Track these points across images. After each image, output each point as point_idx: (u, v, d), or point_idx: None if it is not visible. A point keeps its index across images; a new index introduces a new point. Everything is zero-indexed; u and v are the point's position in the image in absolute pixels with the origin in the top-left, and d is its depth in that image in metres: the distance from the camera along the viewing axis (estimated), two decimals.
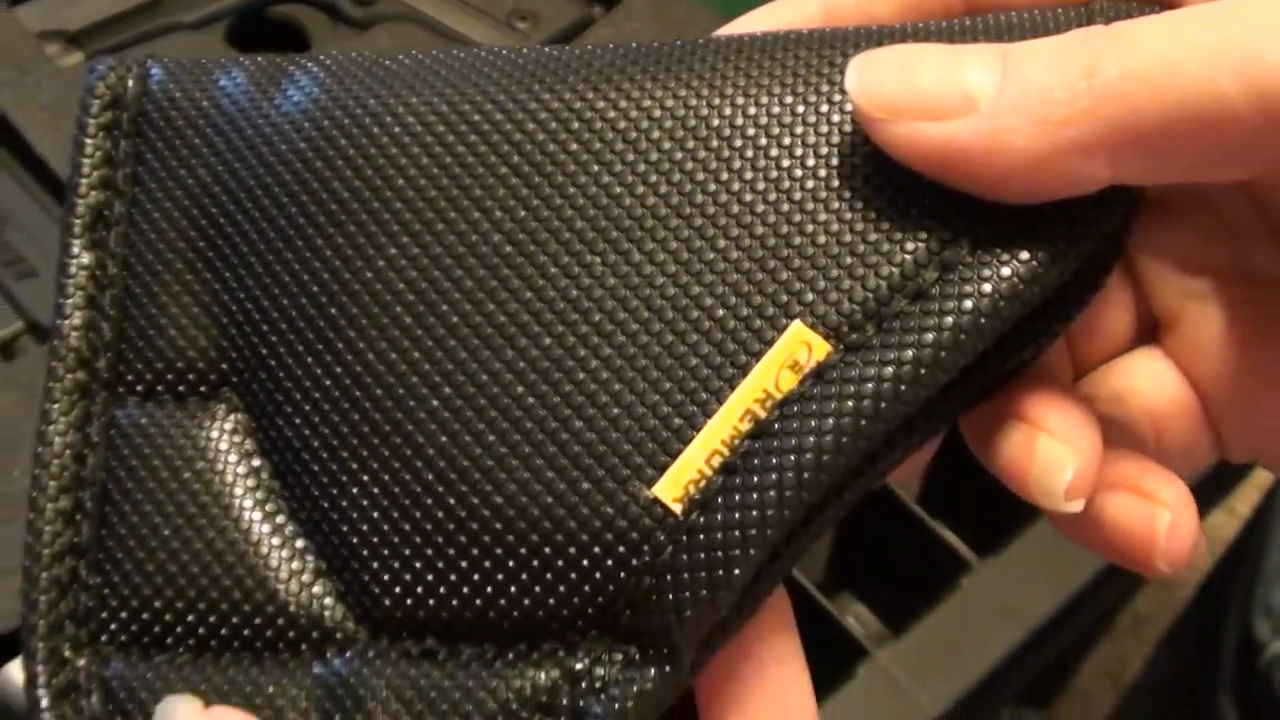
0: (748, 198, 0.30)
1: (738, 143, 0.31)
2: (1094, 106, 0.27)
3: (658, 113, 0.31)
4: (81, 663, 0.31)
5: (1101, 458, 0.32)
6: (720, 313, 0.30)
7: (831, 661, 0.61)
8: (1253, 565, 0.81)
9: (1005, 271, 0.29)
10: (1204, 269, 0.34)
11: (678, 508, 0.28)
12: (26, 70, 0.68)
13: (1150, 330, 0.35)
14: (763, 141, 0.31)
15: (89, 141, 0.35)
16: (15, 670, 0.48)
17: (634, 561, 0.28)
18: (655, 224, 0.30)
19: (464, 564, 0.29)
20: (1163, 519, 0.31)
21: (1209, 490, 0.85)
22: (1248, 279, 0.34)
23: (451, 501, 0.30)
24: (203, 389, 0.33)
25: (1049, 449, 0.31)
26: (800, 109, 0.31)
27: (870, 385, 0.28)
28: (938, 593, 0.64)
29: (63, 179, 0.63)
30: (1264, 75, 0.27)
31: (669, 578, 0.28)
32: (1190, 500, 0.32)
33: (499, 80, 0.33)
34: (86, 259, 0.34)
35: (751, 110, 0.31)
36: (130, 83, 0.36)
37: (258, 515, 0.32)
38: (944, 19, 0.33)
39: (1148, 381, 0.34)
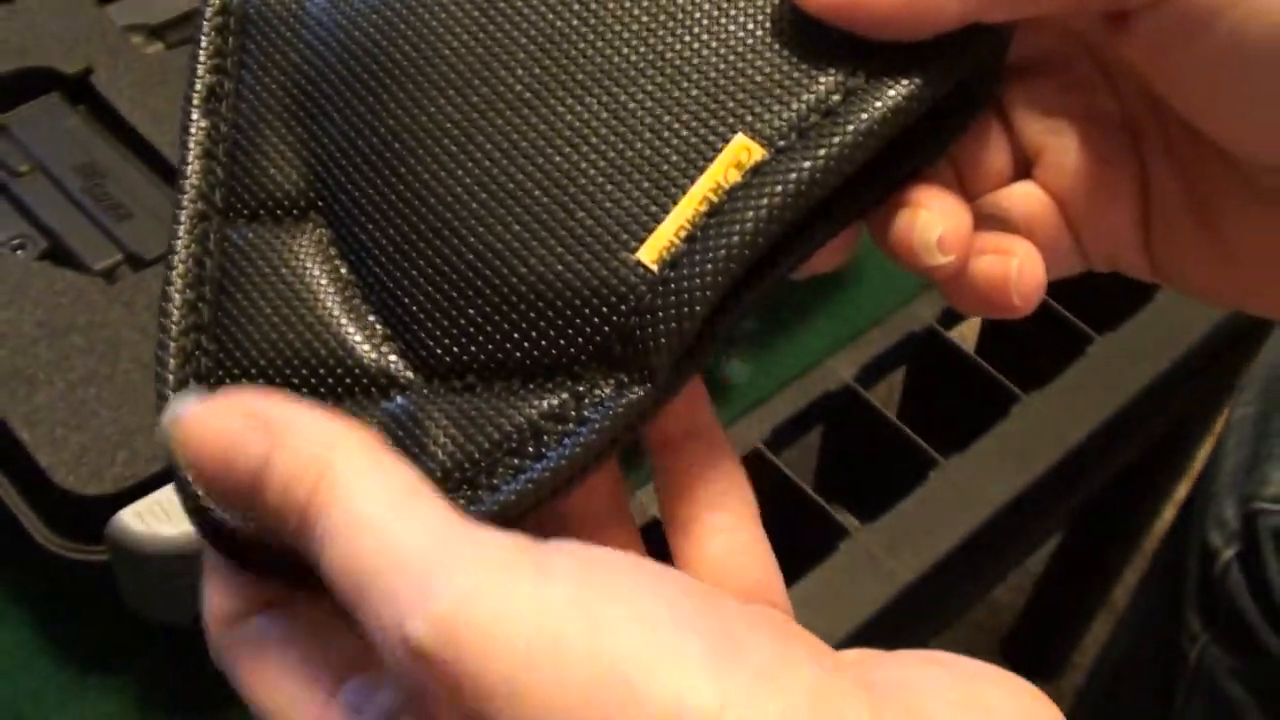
0: (703, 50, 0.39)
1: (694, 10, 0.39)
2: None
3: None
4: None
5: (971, 231, 0.39)
6: (683, 130, 0.38)
7: (818, 540, 0.69)
8: (1208, 483, 0.88)
9: (891, 93, 0.37)
10: (1061, 113, 0.41)
11: (655, 267, 0.36)
12: (116, 56, 0.76)
13: (1025, 169, 0.42)
14: (711, 8, 0.39)
15: (204, 38, 0.43)
16: (129, 517, 0.55)
17: (623, 306, 0.36)
18: (635, 69, 0.39)
19: (496, 318, 0.37)
20: (1013, 264, 0.39)
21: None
22: (1093, 119, 0.41)
23: (487, 273, 0.38)
24: (294, 212, 0.41)
25: (926, 218, 0.39)
26: None
27: (794, 175, 0.37)
28: (909, 485, 0.71)
29: (149, 142, 0.71)
30: None
31: (648, 316, 0.36)
32: (1036, 253, 0.39)
33: None
34: (204, 123, 0.42)
35: None
36: None
37: (337, 298, 0.39)
38: None
39: (1021, 198, 0.41)
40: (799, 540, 0.68)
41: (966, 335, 0.83)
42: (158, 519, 0.55)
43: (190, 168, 0.41)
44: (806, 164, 0.37)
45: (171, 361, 0.39)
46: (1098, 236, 0.42)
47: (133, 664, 0.62)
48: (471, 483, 0.36)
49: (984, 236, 0.40)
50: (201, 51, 0.43)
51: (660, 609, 0.30)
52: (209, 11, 0.43)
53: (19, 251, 0.67)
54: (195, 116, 0.42)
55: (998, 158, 0.42)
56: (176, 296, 0.40)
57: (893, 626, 0.68)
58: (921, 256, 0.39)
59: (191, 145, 0.42)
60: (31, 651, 0.62)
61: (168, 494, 0.56)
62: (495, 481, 0.36)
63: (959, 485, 0.72)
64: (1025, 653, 1.41)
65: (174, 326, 0.40)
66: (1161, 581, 0.96)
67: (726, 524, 0.38)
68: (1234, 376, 0.88)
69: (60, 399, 0.60)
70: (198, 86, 0.42)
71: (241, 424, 0.33)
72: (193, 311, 0.40)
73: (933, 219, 0.39)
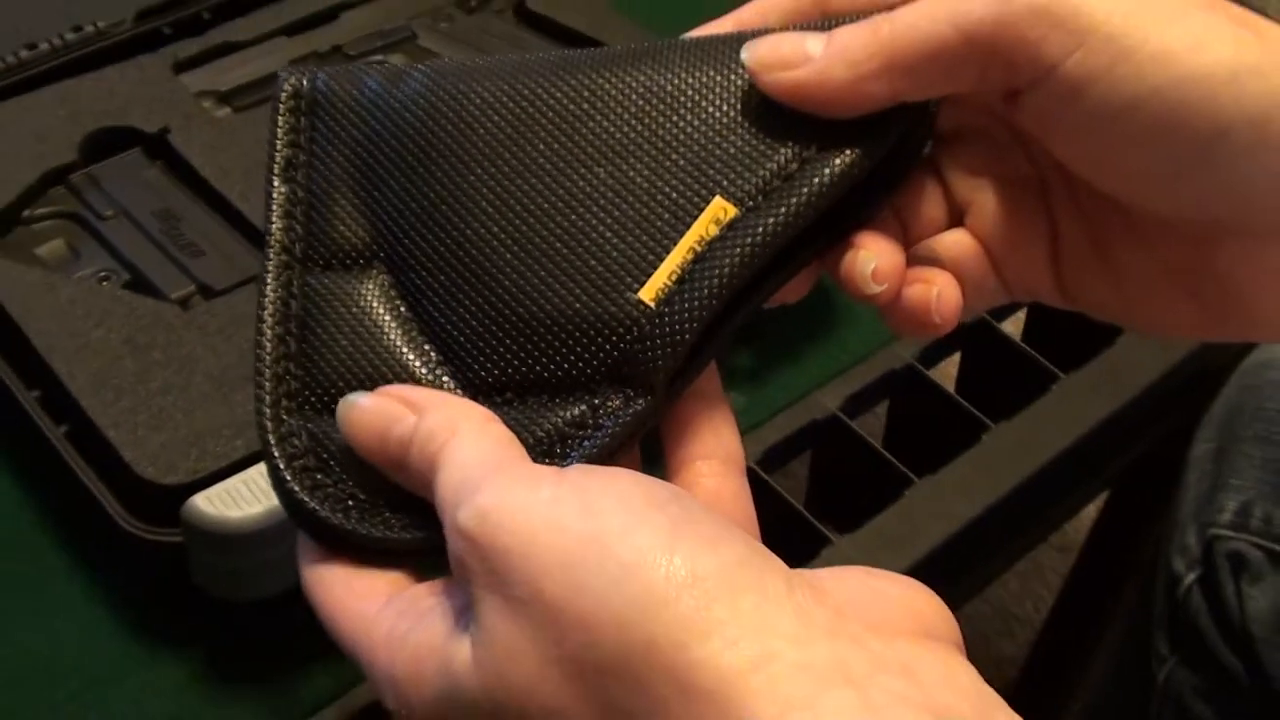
0: (688, 128, 0.48)
1: (681, 97, 0.48)
2: (875, 53, 0.45)
3: (633, 81, 0.49)
4: (292, 420, 0.47)
5: (903, 266, 0.48)
6: (673, 194, 0.47)
7: (801, 548, 0.77)
8: (1173, 514, 0.94)
9: (837, 161, 0.47)
10: (984, 174, 0.51)
11: (653, 304, 0.46)
12: (190, 119, 0.85)
13: (958, 218, 0.51)
14: (694, 95, 0.48)
15: (280, 119, 0.51)
16: (200, 501, 0.64)
17: (628, 335, 0.46)
18: (634, 144, 0.48)
19: (528, 346, 0.47)
20: (934, 291, 0.48)
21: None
22: (1009, 178, 0.51)
23: (520, 310, 0.47)
24: (360, 262, 0.49)
25: (865, 256, 0.48)
26: (716, 76, 0.48)
27: (760, 229, 0.46)
28: (887, 501, 0.79)
29: (218, 192, 0.80)
30: (963, 17, 0.44)
31: (648, 343, 0.45)
32: (954, 282, 0.49)
33: (531, 71, 0.50)
34: (284, 189, 0.50)
35: (689, 78, 0.48)
36: (304, 81, 0.51)
37: (399, 331, 0.48)
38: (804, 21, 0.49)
39: (952, 243, 0.50)
40: (786, 548, 0.76)
41: (950, 373, 0.91)
42: (225, 504, 0.64)
43: (274, 226, 0.50)
44: (770, 219, 0.46)
45: (268, 384, 0.48)
46: (1017, 273, 0.51)
47: (199, 636, 0.70)
48: None
49: (915, 270, 0.49)
50: (278, 130, 0.51)
51: (638, 499, 0.40)
52: (283, 95, 0.51)
53: (106, 282, 0.77)
54: (276, 184, 0.50)
55: (934, 209, 0.51)
56: (269, 331, 0.49)
57: None
58: (861, 286, 0.48)
59: (274, 207, 0.50)
60: (109, 623, 0.70)
61: (233, 483, 0.64)
62: None
63: (931, 502, 0.79)
64: (1030, 705, 1.46)
65: (268, 355, 0.48)
66: (1136, 610, 1.03)
67: (715, 470, 0.47)
68: (1194, 418, 0.96)
69: (141, 405, 0.69)
70: (277, 159, 0.51)
71: (396, 406, 0.45)
72: (282, 343, 0.48)
73: (870, 256, 0.48)
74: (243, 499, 0.64)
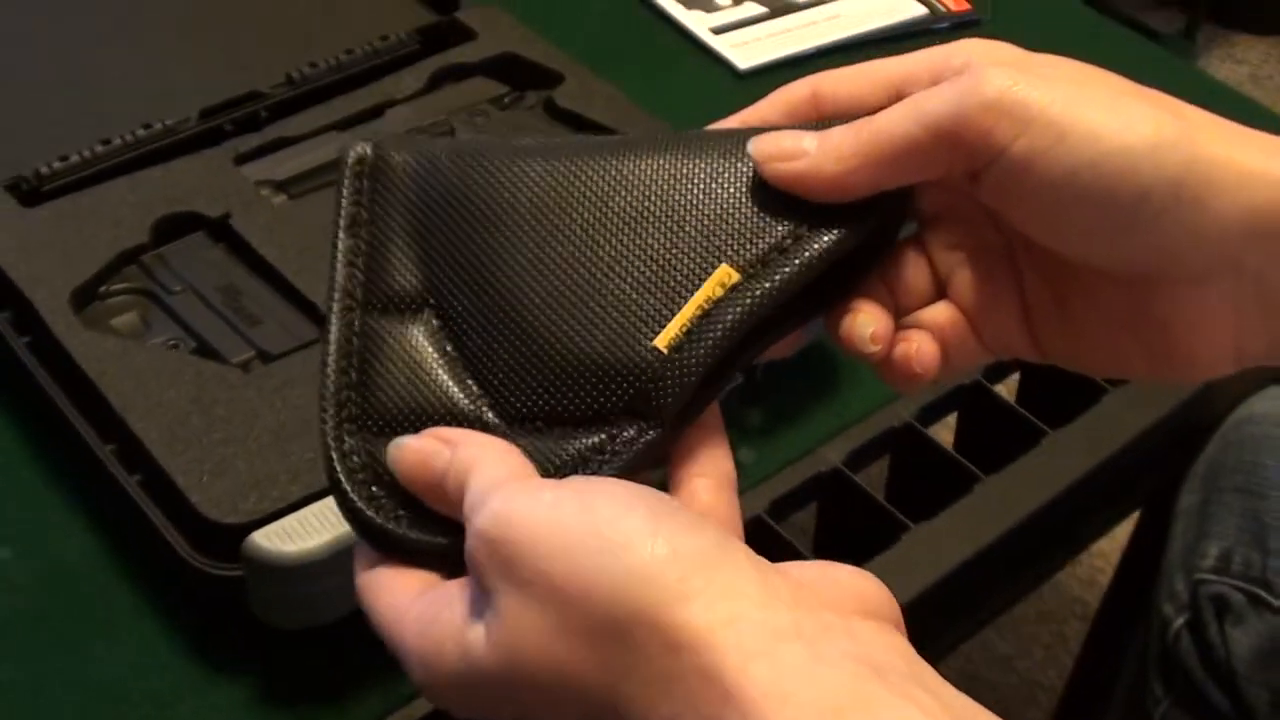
0: (700, 203, 0.55)
1: (695, 178, 0.55)
2: (857, 150, 0.53)
3: (655, 164, 0.56)
4: (352, 440, 0.54)
5: (893, 330, 0.56)
6: (686, 259, 0.54)
7: None
8: (1164, 562, 1.00)
9: (826, 238, 0.54)
10: (961, 248, 0.58)
11: (665, 350, 0.53)
12: (250, 205, 0.92)
13: (942, 288, 0.59)
14: (706, 178, 0.55)
15: (347, 181, 0.57)
16: (259, 537, 0.71)
17: (644, 376, 0.53)
18: (655, 215, 0.55)
19: (558, 382, 0.53)
20: (914, 347, 0.56)
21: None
22: (983, 250, 0.58)
23: (552, 353, 0.53)
24: (414, 307, 0.56)
25: (863, 319, 0.56)
26: (725, 162, 0.56)
27: (758, 292, 0.54)
28: (883, 545, 0.86)
29: (276, 269, 0.88)
30: (929, 114, 0.52)
31: (660, 382, 0.53)
32: (930, 339, 0.57)
33: (567, 150, 0.57)
34: (349, 241, 0.56)
35: (702, 163, 0.56)
36: (368, 150, 0.58)
37: (445, 368, 0.55)
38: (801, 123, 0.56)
39: (937, 312, 0.58)
40: None
41: (946, 432, 0.98)
42: (281, 539, 0.71)
43: (339, 274, 0.56)
44: (767, 285, 0.54)
45: (331, 408, 0.55)
46: (994, 333, 0.58)
47: (257, 662, 0.77)
48: None
49: (900, 333, 0.57)
50: (344, 191, 0.58)
51: (624, 495, 0.48)
52: (351, 160, 0.58)
53: (175, 349, 0.85)
54: (342, 237, 0.57)
55: (920, 281, 0.59)
56: (332, 363, 0.55)
57: None
58: (860, 346, 0.56)
59: (339, 257, 0.57)
60: (175, 651, 0.77)
61: (289, 521, 0.72)
62: None
63: (925, 546, 0.86)
64: None
65: (331, 385, 0.55)
66: (1138, 657, 1.08)
67: (710, 487, 0.54)
68: (1178, 475, 1.02)
69: (207, 455, 0.77)
70: (343, 215, 0.57)
71: (434, 444, 0.53)
72: (344, 374, 0.55)
73: (868, 320, 0.56)
74: (297, 535, 0.71)
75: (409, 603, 0.51)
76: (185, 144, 0.98)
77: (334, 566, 0.71)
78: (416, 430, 0.54)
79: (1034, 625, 1.78)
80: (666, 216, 0.55)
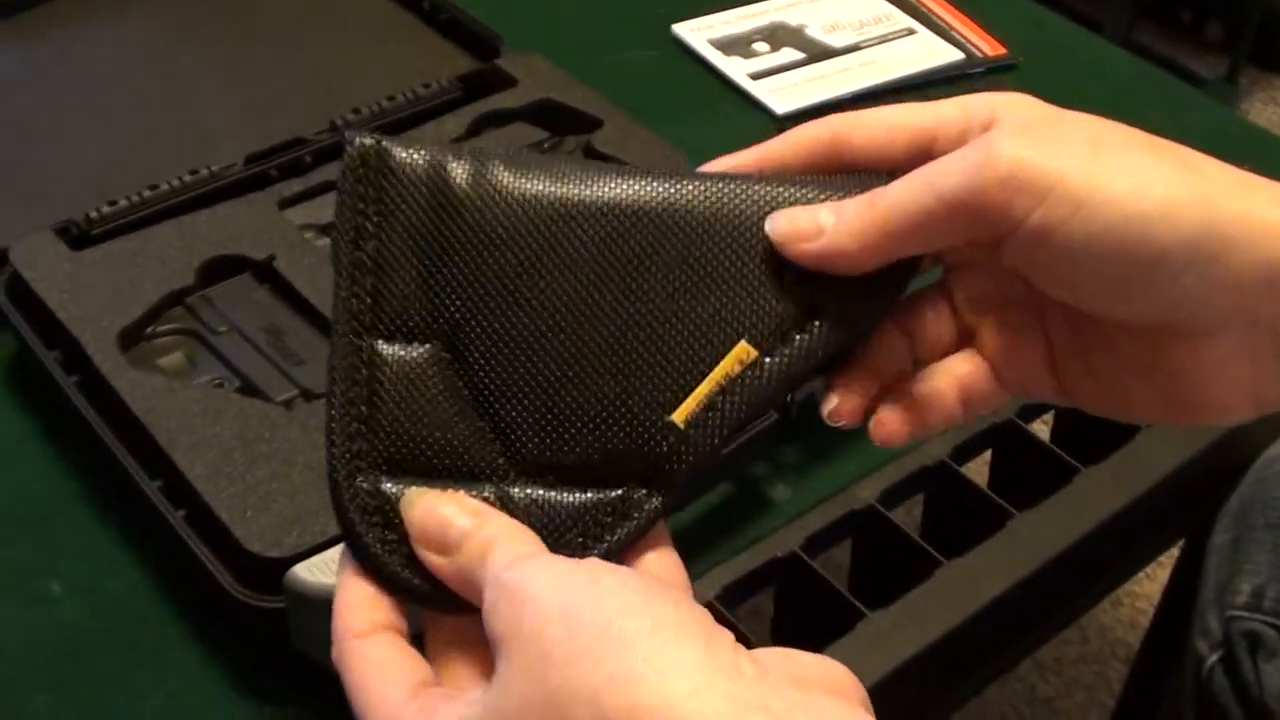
0: (724, 281, 0.55)
1: (721, 256, 0.55)
2: (872, 225, 0.54)
3: (680, 225, 0.55)
4: (361, 478, 0.53)
5: (866, 403, 0.58)
6: (708, 333, 0.55)
7: (838, 622, 0.84)
8: (1198, 601, 1.01)
9: (842, 310, 0.55)
10: (987, 300, 0.59)
11: (682, 426, 0.54)
12: (293, 248, 0.94)
13: (968, 337, 0.60)
14: (730, 254, 0.55)
15: (349, 181, 0.54)
16: (301, 570, 0.72)
17: (660, 449, 0.54)
18: (681, 289, 0.55)
19: (572, 440, 0.54)
20: (878, 416, 0.58)
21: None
22: (1009, 302, 0.59)
23: (572, 409, 0.53)
24: (422, 336, 0.54)
25: (831, 396, 0.57)
26: (747, 237, 0.55)
27: (776, 370, 0.55)
28: (917, 580, 0.87)
29: (318, 310, 0.89)
30: (944, 189, 0.53)
31: (674, 456, 0.54)
32: (893, 411, 0.58)
33: (577, 176, 0.55)
34: (355, 256, 0.54)
35: (727, 238, 0.55)
36: (369, 143, 0.54)
37: (455, 406, 0.54)
38: (820, 174, 0.57)
39: (958, 362, 0.59)
40: (825, 622, 0.84)
41: (981, 469, 0.99)
42: (322, 572, 0.72)
43: (343, 292, 0.54)
44: (783, 362, 0.55)
45: (339, 442, 0.54)
46: (1020, 380, 0.60)
47: (297, 696, 0.78)
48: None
49: (886, 400, 0.58)
50: (348, 191, 0.54)
51: (629, 579, 0.49)
52: (353, 154, 0.54)
53: (220, 388, 0.86)
54: (345, 249, 0.54)
55: (943, 331, 0.60)
56: (339, 394, 0.54)
57: (896, 695, 0.84)
58: (828, 421, 0.58)
59: (344, 271, 0.54)
60: (218, 683, 0.78)
61: (330, 555, 0.73)
62: (564, 550, 0.53)
63: (959, 582, 0.87)
64: None
65: (338, 415, 0.54)
66: (1174, 695, 1.08)
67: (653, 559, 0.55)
68: (1213, 511, 1.03)
69: (250, 491, 0.78)
70: (349, 225, 0.54)
71: (453, 507, 0.53)
72: (353, 406, 0.54)
73: (837, 398, 0.57)
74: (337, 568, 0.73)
75: (402, 704, 0.51)
76: (231, 189, 1.00)
77: None
78: (427, 474, 0.54)
79: (1076, 667, 1.78)
80: (692, 289, 0.55)
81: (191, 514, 0.79)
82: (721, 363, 0.54)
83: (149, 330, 0.91)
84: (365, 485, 0.54)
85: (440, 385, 0.54)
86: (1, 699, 0.78)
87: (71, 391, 0.86)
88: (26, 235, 0.95)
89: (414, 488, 0.54)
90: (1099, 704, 1.73)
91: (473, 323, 0.54)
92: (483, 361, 0.54)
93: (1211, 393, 0.56)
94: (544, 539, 0.53)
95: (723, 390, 0.54)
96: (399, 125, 1.07)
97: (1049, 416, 1.02)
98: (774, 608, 0.91)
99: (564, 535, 0.54)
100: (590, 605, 0.47)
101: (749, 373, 0.55)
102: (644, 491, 0.54)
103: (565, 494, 0.54)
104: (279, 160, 1.03)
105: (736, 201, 0.56)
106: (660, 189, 0.56)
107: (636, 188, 0.56)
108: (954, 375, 0.59)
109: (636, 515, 0.54)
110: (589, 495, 0.54)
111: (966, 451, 0.96)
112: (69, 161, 1.08)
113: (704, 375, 0.54)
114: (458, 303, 0.54)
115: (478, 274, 0.54)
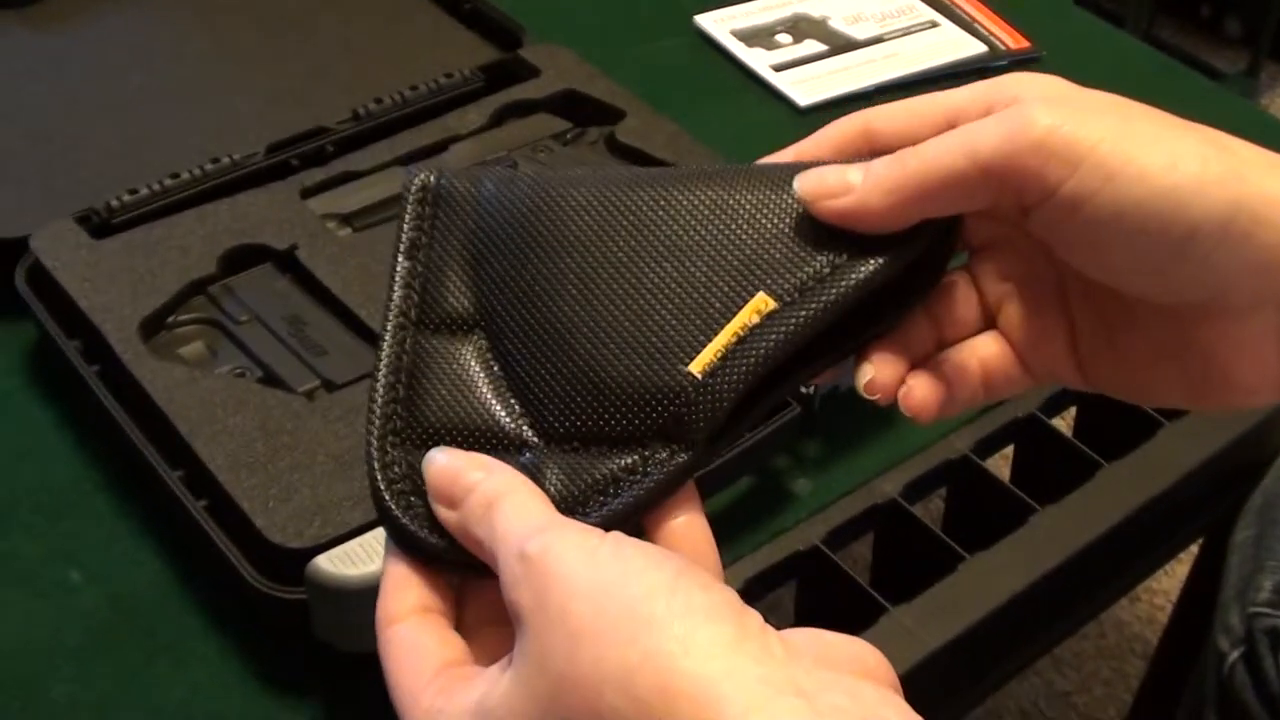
0: (743, 234, 0.56)
1: (740, 210, 0.56)
2: (903, 183, 0.54)
3: (701, 195, 0.57)
4: (395, 451, 0.55)
5: (902, 375, 0.57)
6: (725, 287, 0.55)
7: (861, 616, 0.84)
8: (1220, 597, 1.01)
9: (865, 266, 0.55)
10: (1012, 279, 0.59)
11: (700, 375, 0.54)
12: (315, 237, 0.94)
13: (992, 319, 0.59)
14: (751, 210, 0.56)
15: (409, 207, 0.59)
16: (322, 561, 0.72)
17: (678, 400, 0.54)
18: (697, 245, 0.56)
19: (595, 405, 0.55)
20: (907, 385, 0.57)
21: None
22: (1033, 281, 0.59)
23: (592, 375, 0.55)
24: (464, 329, 0.57)
25: (867, 367, 0.57)
26: (770, 195, 0.57)
27: (793, 322, 0.54)
28: (939, 575, 0.87)
29: (340, 300, 0.90)
30: (978, 150, 0.52)
31: (693, 407, 0.54)
32: (929, 383, 0.57)
33: (618, 182, 0.58)
34: (406, 264, 0.58)
35: (748, 195, 0.57)
36: (431, 178, 0.59)
37: (489, 386, 0.56)
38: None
39: (982, 343, 0.59)
40: (848, 616, 0.84)
41: (1003, 463, 0.99)
42: (344, 563, 0.73)
43: (396, 294, 0.58)
44: (803, 313, 0.55)
45: (377, 420, 0.56)
46: (1042, 362, 0.59)
47: (318, 686, 0.78)
48: (572, 511, 0.53)
49: (915, 371, 0.58)
50: (408, 215, 0.59)
51: (655, 555, 0.49)
52: (414, 187, 0.59)
53: (241, 378, 0.86)
54: (401, 260, 0.58)
55: (968, 312, 0.59)
56: (382, 378, 0.56)
57: (917, 689, 0.84)
58: (860, 390, 0.57)
59: (397, 279, 0.58)
60: (240, 673, 0.78)
61: (352, 546, 0.73)
62: (588, 510, 0.54)
63: (982, 577, 0.87)
64: None
65: (379, 398, 0.56)
66: (1194, 691, 1.08)
67: (683, 525, 0.55)
68: (1236, 508, 1.02)
69: (272, 481, 0.78)
70: (404, 240, 0.58)
71: (470, 462, 0.53)
72: (392, 389, 0.56)
73: (869, 369, 0.57)
74: (359, 559, 0.73)
75: (425, 684, 0.51)
76: (253, 178, 1.00)
77: None
78: (458, 445, 0.55)
79: (1094, 662, 1.78)
80: (709, 246, 0.56)
81: (212, 504, 0.79)
82: (739, 314, 0.55)
83: (170, 319, 0.91)
84: (396, 454, 0.55)
85: (477, 367, 0.57)
86: (22, 688, 0.78)
87: (92, 381, 0.86)
88: (47, 224, 0.95)
89: (438, 449, 0.55)
90: (1117, 700, 1.73)
91: (508, 311, 0.57)
92: (515, 343, 0.56)
93: (1237, 375, 0.56)
94: (571, 501, 0.54)
95: (741, 341, 0.54)
96: (421, 115, 1.07)
97: (1071, 412, 1.01)
98: (795, 602, 0.91)
99: (591, 497, 0.54)
100: (618, 584, 0.47)
101: (767, 324, 0.55)
102: (667, 451, 0.54)
103: (592, 459, 0.55)
104: (301, 149, 1.03)
105: (763, 172, 0.58)
106: (684, 171, 0.59)
107: (664, 172, 0.59)
108: (977, 354, 0.59)
109: (659, 472, 0.54)
110: (614, 457, 0.55)
111: (989, 446, 0.96)
112: (90, 150, 1.08)
113: (721, 327, 0.55)
114: (496, 296, 0.57)
115: (514, 270, 0.57)
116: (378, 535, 0.74)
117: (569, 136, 1.08)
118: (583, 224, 0.57)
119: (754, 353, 0.54)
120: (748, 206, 0.57)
